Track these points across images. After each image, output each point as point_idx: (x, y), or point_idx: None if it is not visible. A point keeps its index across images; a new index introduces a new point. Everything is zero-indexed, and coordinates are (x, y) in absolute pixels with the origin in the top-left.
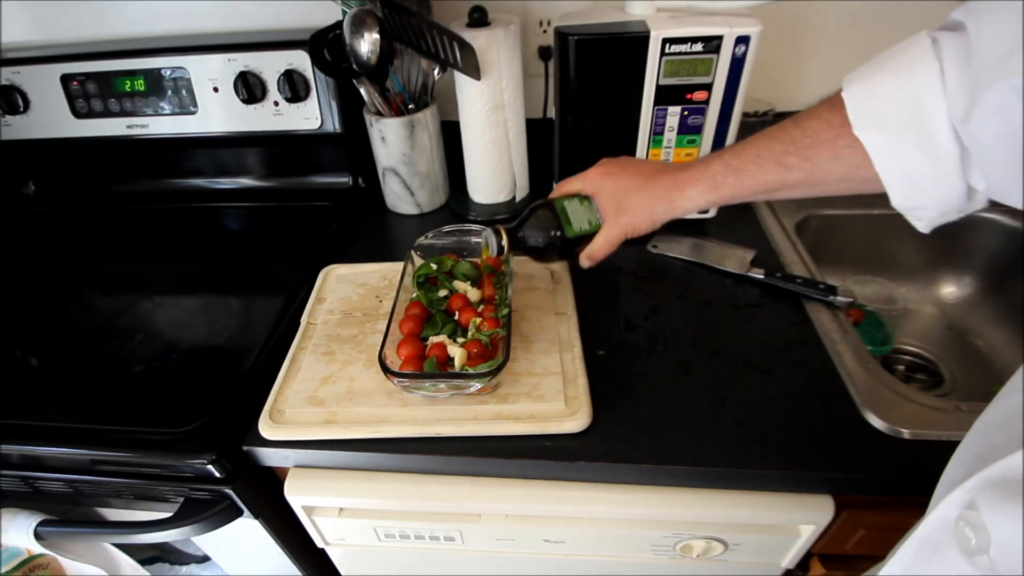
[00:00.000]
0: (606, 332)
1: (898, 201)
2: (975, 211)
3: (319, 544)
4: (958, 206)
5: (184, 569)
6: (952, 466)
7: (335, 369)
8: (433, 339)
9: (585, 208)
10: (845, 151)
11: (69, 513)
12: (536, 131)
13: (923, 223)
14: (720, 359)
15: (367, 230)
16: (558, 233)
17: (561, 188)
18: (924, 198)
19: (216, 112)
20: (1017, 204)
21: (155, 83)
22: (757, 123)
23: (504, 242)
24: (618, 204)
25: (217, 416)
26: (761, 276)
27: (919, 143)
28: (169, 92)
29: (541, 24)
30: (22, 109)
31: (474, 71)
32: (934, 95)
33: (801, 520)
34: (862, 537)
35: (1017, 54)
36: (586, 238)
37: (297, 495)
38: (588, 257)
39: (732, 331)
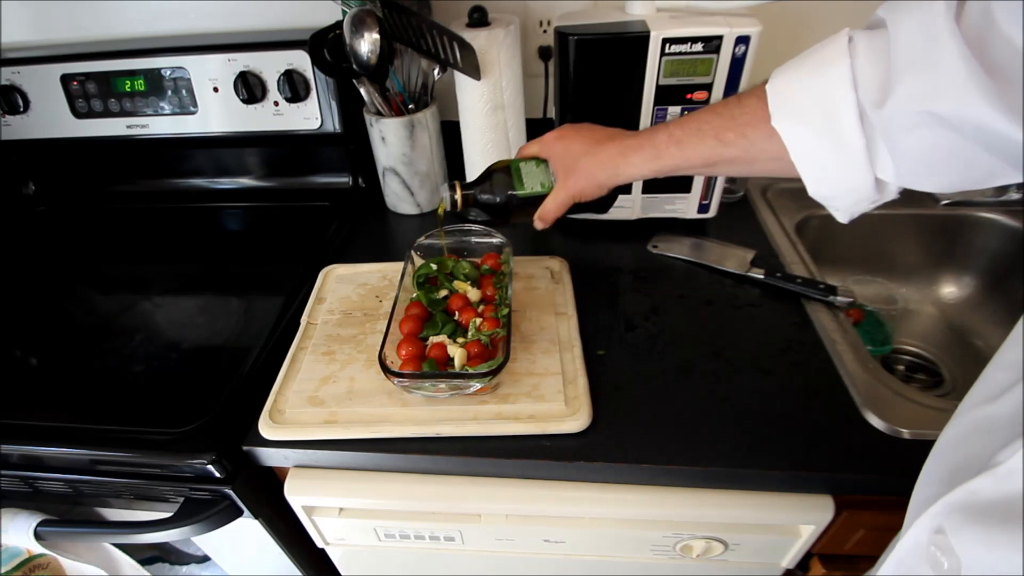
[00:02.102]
0: (606, 332)
1: (813, 190)
2: (886, 201)
3: (319, 544)
4: (869, 196)
5: (184, 569)
6: (920, 485)
7: (335, 369)
8: (433, 339)
9: (541, 171)
10: (776, 133)
11: (69, 513)
12: (536, 131)
13: (840, 212)
14: (720, 359)
15: (367, 230)
16: (510, 193)
17: (522, 151)
18: (835, 187)
19: (216, 112)
20: (927, 188)
21: (155, 83)
22: None
23: (458, 196)
24: (567, 167)
25: (217, 416)
26: (761, 276)
27: (828, 135)
28: (169, 92)
29: (541, 24)
30: (22, 109)
31: (474, 71)
32: (843, 90)
33: (801, 520)
34: (862, 537)
35: (927, 54)
36: (539, 199)
37: (297, 495)
38: (540, 218)
39: (732, 331)
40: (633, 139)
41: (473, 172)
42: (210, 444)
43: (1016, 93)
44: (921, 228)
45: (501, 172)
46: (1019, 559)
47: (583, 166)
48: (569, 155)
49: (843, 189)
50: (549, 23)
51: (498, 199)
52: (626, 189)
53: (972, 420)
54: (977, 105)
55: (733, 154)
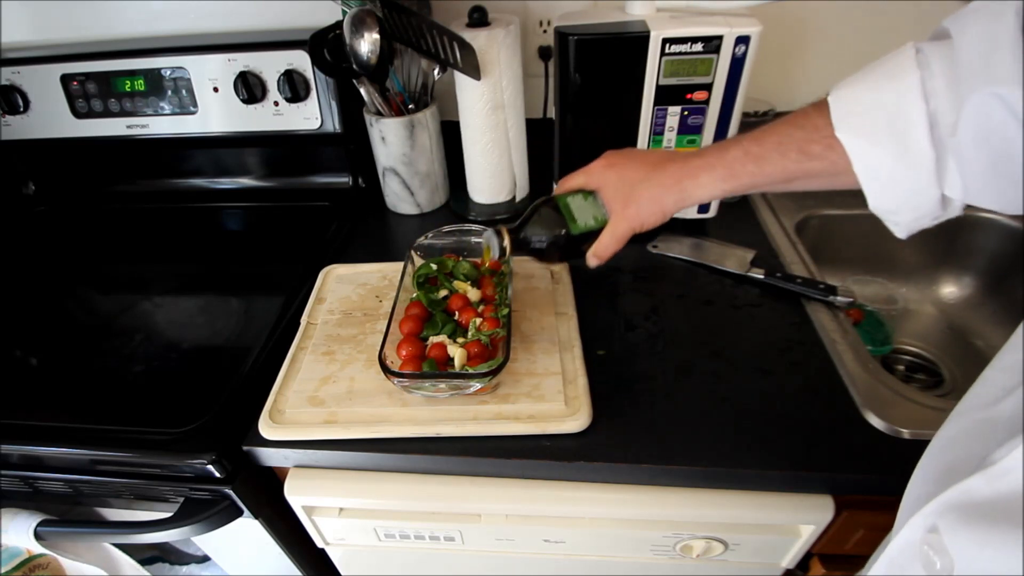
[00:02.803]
0: (606, 332)
1: (874, 203)
2: (949, 219)
3: (319, 544)
4: (932, 212)
5: (184, 569)
6: (914, 484)
7: (335, 369)
8: (433, 339)
9: (590, 204)
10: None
11: (69, 513)
12: (536, 131)
13: (899, 228)
14: (720, 359)
15: (367, 230)
16: (563, 231)
17: (564, 184)
18: (899, 202)
19: (216, 112)
20: (992, 206)
21: (155, 83)
22: (757, 123)
23: (506, 243)
24: (624, 196)
25: (217, 416)
26: (761, 276)
27: (896, 146)
28: (169, 92)
29: (541, 24)
30: (22, 109)
31: (474, 71)
32: (913, 102)
33: (801, 520)
34: (862, 537)
35: (995, 57)
36: (592, 235)
37: (297, 495)
38: (595, 255)
39: (732, 331)
40: (699, 158)
41: (473, 172)
42: (210, 444)
43: None
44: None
45: (548, 210)
46: (1013, 558)
47: (643, 193)
48: (625, 182)
49: (907, 204)
50: (549, 23)
51: (549, 239)
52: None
53: (969, 421)
54: None
55: (819, 168)
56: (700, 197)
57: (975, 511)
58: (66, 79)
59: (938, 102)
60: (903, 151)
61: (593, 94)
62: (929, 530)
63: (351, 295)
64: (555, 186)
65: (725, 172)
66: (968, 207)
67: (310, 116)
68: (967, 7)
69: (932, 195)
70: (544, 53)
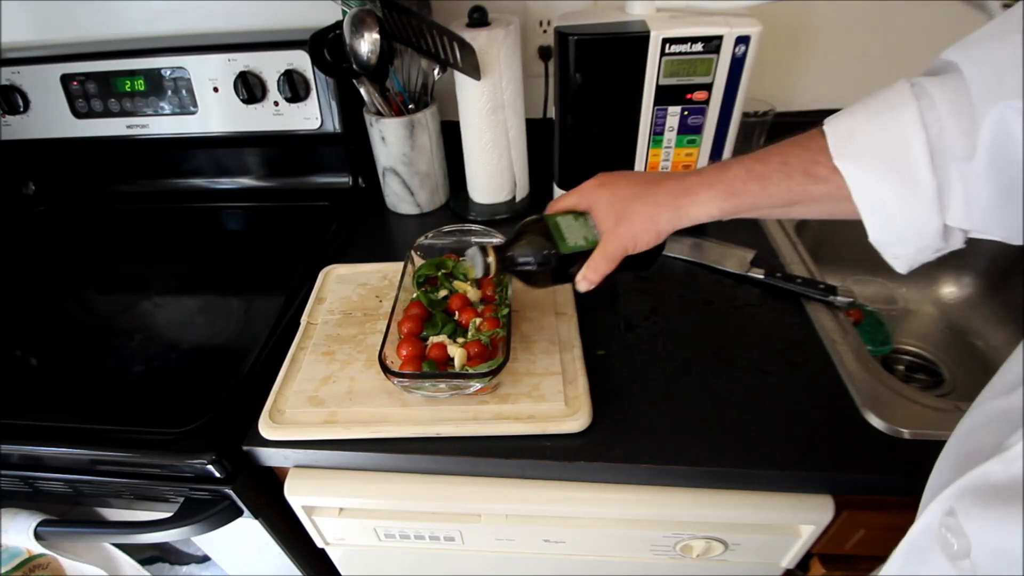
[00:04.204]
0: (606, 332)
1: (875, 235)
2: (951, 250)
3: (319, 544)
4: (934, 244)
5: (184, 569)
6: (935, 473)
7: (335, 369)
8: (433, 339)
9: (580, 224)
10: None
11: (69, 513)
12: (536, 131)
13: (900, 261)
14: (720, 359)
15: (367, 230)
16: (551, 251)
17: (555, 205)
18: (899, 232)
19: (216, 112)
20: (998, 236)
21: (155, 83)
22: (757, 123)
23: (491, 260)
24: (617, 214)
25: (217, 416)
26: (761, 276)
27: (896, 175)
28: (169, 92)
29: (541, 24)
30: (22, 109)
31: (474, 71)
32: (913, 130)
33: (801, 520)
34: (862, 537)
35: (1008, 77)
36: (582, 257)
37: (297, 495)
38: (585, 278)
39: (732, 331)
40: (697, 176)
41: (473, 173)
42: (210, 444)
43: None
44: None
45: (536, 229)
46: (1021, 536)
47: (637, 210)
48: (618, 200)
49: (908, 234)
50: (549, 23)
51: (537, 260)
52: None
53: (986, 412)
54: None
55: (823, 191)
56: (697, 216)
57: (991, 494)
58: (66, 79)
59: (940, 129)
60: (903, 179)
61: (593, 94)
62: (947, 513)
63: (351, 295)
64: (555, 192)
65: (725, 190)
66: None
67: (310, 116)
68: (971, 36)
69: (934, 225)
70: (544, 53)
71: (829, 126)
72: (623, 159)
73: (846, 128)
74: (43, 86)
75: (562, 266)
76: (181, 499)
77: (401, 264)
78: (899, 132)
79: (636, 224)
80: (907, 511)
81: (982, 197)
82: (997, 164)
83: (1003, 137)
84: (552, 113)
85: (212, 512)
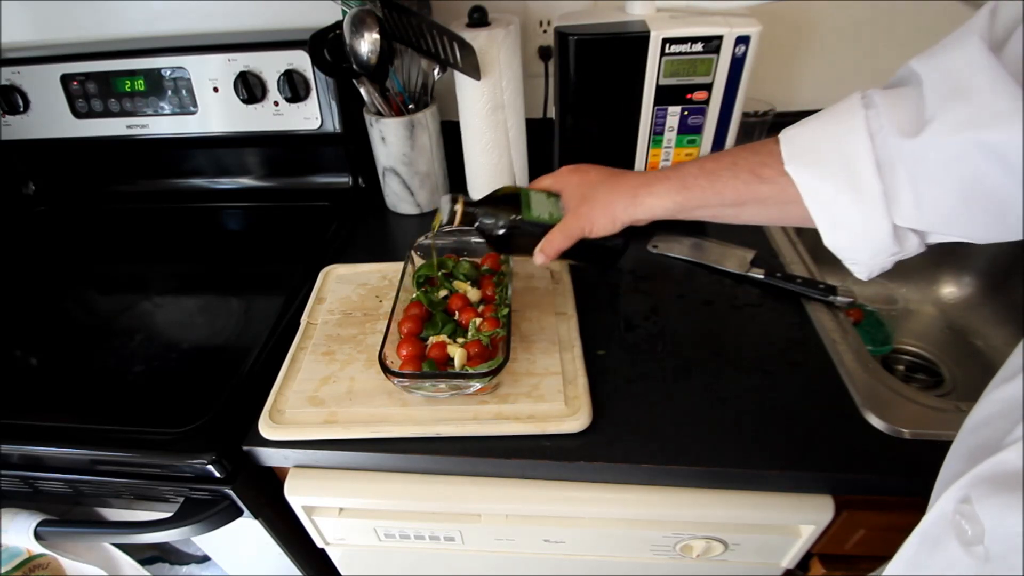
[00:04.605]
0: (606, 332)
1: (828, 240)
2: (908, 255)
3: (319, 544)
4: (887, 248)
5: (184, 569)
6: (947, 464)
7: (335, 369)
8: (433, 339)
9: (550, 202)
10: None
11: (69, 513)
12: (536, 131)
13: (859, 267)
14: (720, 359)
15: (367, 230)
16: (516, 217)
17: (534, 184)
18: (852, 237)
19: (216, 112)
20: (954, 236)
21: (155, 83)
22: (757, 123)
23: (458, 208)
24: (580, 196)
25: (217, 416)
26: (761, 276)
27: (843, 178)
28: (169, 92)
29: (541, 24)
30: (22, 109)
31: (474, 71)
32: (859, 136)
33: (801, 520)
34: (862, 537)
35: (964, 83)
36: (543, 231)
37: (297, 495)
38: (541, 250)
39: (732, 331)
40: (658, 172)
41: (473, 173)
42: (210, 444)
43: None
44: None
45: (508, 196)
46: None
47: (598, 195)
48: (585, 184)
49: (860, 239)
50: (549, 23)
51: (500, 222)
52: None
53: (993, 401)
54: None
55: (767, 192)
56: (651, 207)
57: (1006, 481)
58: (66, 79)
59: (885, 137)
60: (849, 182)
61: (593, 94)
62: (962, 501)
63: (351, 295)
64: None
65: (678, 184)
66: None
67: (310, 116)
68: (938, 43)
69: (884, 227)
70: (544, 53)
71: (783, 135)
72: (623, 159)
73: (798, 137)
74: (43, 86)
75: (525, 235)
76: (181, 499)
77: (401, 264)
78: (846, 138)
79: (596, 208)
80: (907, 511)
81: (936, 198)
82: (951, 168)
83: (967, 168)
84: (552, 113)
85: (212, 512)
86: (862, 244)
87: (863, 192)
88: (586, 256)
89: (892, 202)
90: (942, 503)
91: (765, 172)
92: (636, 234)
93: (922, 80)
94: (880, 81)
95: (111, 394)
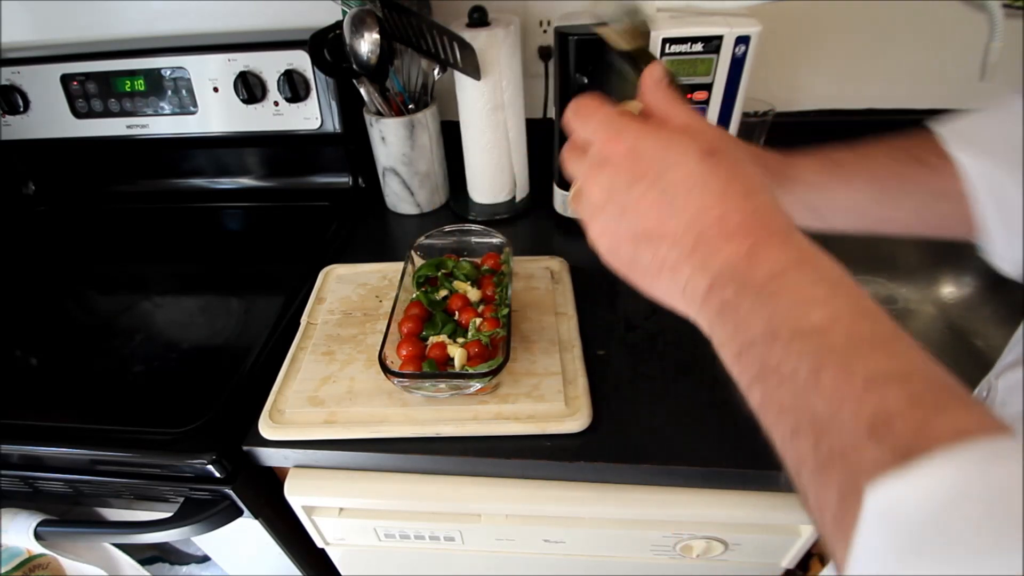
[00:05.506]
0: (606, 332)
1: (990, 223)
2: None
3: (319, 544)
4: None
5: (184, 569)
6: None
7: (335, 369)
8: (433, 339)
9: (633, 104)
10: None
11: (69, 513)
12: (536, 131)
13: (1007, 264)
14: (720, 359)
15: (367, 230)
16: (620, 50)
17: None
18: (1017, 227)
19: (216, 112)
20: None
21: (155, 83)
22: (757, 123)
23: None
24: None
25: (217, 416)
26: None
27: (1014, 157)
28: (169, 92)
29: (541, 24)
30: (22, 109)
31: (474, 71)
32: None
33: (801, 520)
34: None
35: None
36: (624, 94)
37: (297, 495)
38: (565, 116)
39: None
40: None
41: (473, 172)
42: (210, 444)
43: None
44: None
45: (641, 50)
46: None
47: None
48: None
49: None
50: (549, 23)
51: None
52: None
53: (998, 390)
54: None
55: (929, 178)
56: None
57: None
58: (66, 79)
59: None
60: (1019, 162)
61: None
62: None
63: (351, 295)
64: (555, 193)
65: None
66: None
67: (310, 116)
68: None
69: None
70: (544, 53)
71: (939, 126)
72: None
73: (959, 123)
74: (43, 86)
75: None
76: (181, 499)
77: (401, 264)
78: (1016, 120)
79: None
80: None
81: None
82: None
83: None
84: (552, 113)
85: (212, 512)
86: None
87: None
88: None
89: None
90: None
91: (930, 159)
92: None
93: None
94: (881, 81)
95: (111, 394)
